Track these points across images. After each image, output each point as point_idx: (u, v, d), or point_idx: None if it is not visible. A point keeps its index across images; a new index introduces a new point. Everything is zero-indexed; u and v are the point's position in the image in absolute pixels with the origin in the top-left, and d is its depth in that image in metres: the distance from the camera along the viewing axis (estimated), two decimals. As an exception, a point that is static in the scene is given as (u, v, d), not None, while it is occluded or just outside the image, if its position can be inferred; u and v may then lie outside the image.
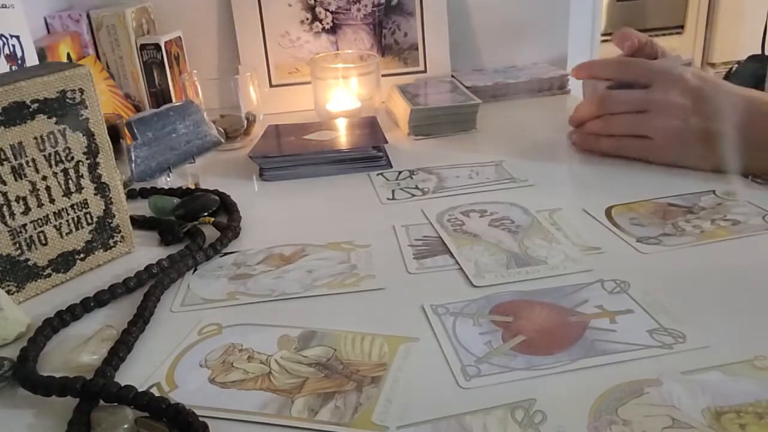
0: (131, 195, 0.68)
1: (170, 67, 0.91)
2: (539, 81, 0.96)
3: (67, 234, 0.52)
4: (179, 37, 0.95)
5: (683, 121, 0.63)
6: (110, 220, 0.55)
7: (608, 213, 0.58)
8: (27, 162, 0.48)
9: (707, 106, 0.63)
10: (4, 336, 0.44)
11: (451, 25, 0.98)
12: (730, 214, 0.56)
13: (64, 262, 0.52)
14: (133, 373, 0.41)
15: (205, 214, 0.61)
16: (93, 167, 0.52)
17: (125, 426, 0.35)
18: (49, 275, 0.51)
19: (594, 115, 0.70)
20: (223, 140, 0.78)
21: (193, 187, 0.69)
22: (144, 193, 0.69)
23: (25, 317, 0.46)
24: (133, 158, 0.68)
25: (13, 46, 0.69)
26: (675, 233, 0.53)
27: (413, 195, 0.65)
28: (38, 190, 0.49)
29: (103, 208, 0.54)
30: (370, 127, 0.80)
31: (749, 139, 0.61)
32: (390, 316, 0.45)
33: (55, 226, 0.51)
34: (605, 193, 0.62)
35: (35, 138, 0.48)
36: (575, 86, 0.82)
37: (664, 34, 2.76)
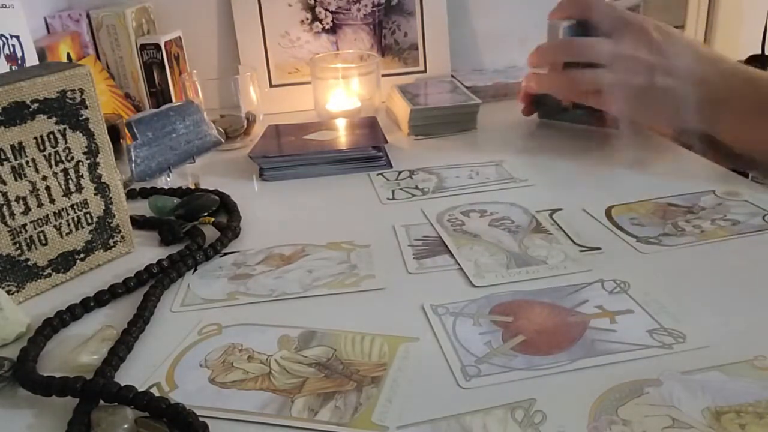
0: (131, 195, 0.68)
1: (170, 67, 0.91)
2: (539, 81, 0.96)
3: (67, 234, 0.52)
4: (179, 37, 0.95)
5: (649, 78, 0.63)
6: (110, 220, 0.55)
7: (608, 213, 0.58)
8: (27, 162, 0.48)
9: (670, 62, 0.62)
10: (4, 336, 0.44)
11: (451, 25, 0.98)
12: (730, 214, 0.56)
13: (64, 262, 0.52)
14: (133, 373, 0.41)
15: (205, 214, 0.61)
16: (93, 167, 0.53)
17: (125, 426, 0.35)
18: (49, 275, 0.51)
19: (555, 60, 0.69)
20: (223, 140, 0.78)
21: (193, 187, 0.69)
22: (144, 193, 0.69)
23: (25, 317, 0.46)
24: (133, 158, 0.68)
25: (13, 46, 0.69)
26: (675, 233, 0.53)
27: (413, 195, 0.65)
28: (38, 190, 0.49)
29: (103, 208, 0.54)
30: (370, 127, 0.80)
31: (706, 98, 0.61)
32: (390, 316, 0.45)
33: (55, 226, 0.51)
34: (605, 193, 0.62)
35: (35, 138, 0.48)
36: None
37: (664, 34, 2.76)
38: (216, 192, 0.65)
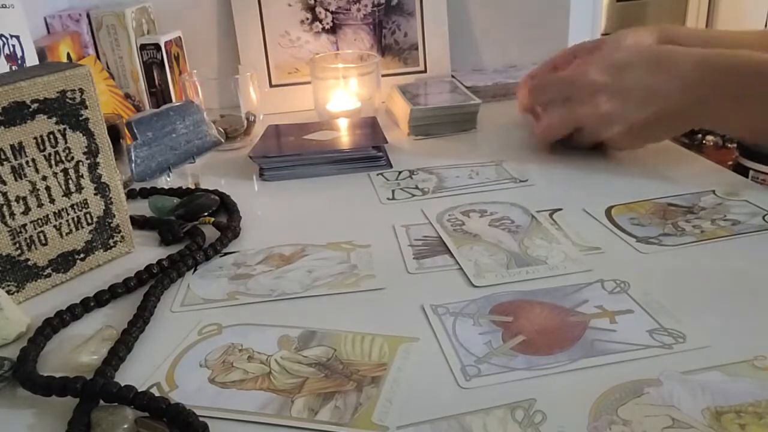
0: (131, 195, 0.68)
1: (170, 67, 0.91)
2: (539, 81, 0.96)
3: (67, 234, 0.52)
4: (179, 37, 0.95)
5: (626, 124, 0.63)
6: (110, 220, 0.55)
7: (608, 213, 0.58)
8: (27, 162, 0.48)
9: (625, 80, 0.62)
10: (4, 336, 0.44)
11: (451, 25, 0.98)
12: (730, 214, 0.56)
13: (64, 262, 0.52)
14: (133, 373, 0.41)
15: (205, 214, 0.61)
16: (93, 167, 0.52)
17: (125, 426, 0.35)
18: (49, 275, 0.51)
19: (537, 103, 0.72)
20: (223, 140, 0.78)
21: (193, 187, 0.69)
22: (144, 193, 0.69)
23: (25, 317, 0.46)
24: (133, 158, 0.68)
25: (13, 46, 0.69)
26: (675, 233, 0.53)
27: (413, 195, 0.65)
28: (38, 190, 0.49)
29: (103, 208, 0.54)
30: (370, 127, 0.80)
31: (689, 98, 0.60)
32: (390, 316, 0.45)
33: (55, 226, 0.51)
34: (605, 193, 0.62)
35: (35, 138, 0.48)
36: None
37: (664, 34, 2.75)
38: (216, 192, 0.65)
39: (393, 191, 0.66)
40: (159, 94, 0.92)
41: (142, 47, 0.90)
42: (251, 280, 0.51)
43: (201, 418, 0.35)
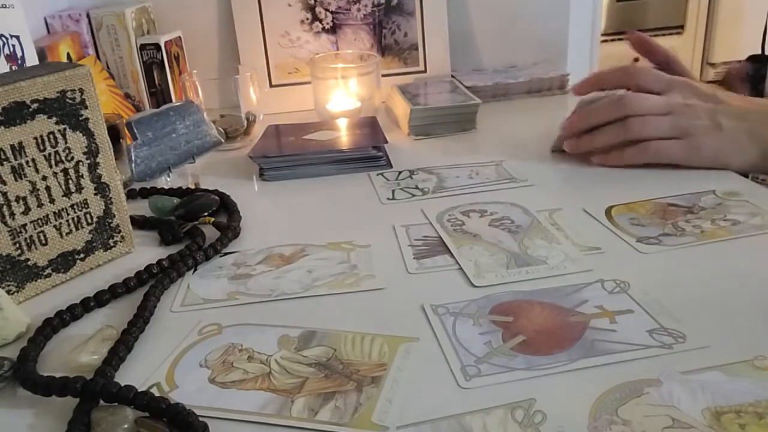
0: (131, 195, 0.68)
1: (170, 67, 0.91)
2: (539, 81, 0.96)
3: (67, 234, 0.52)
4: (179, 37, 0.95)
5: (711, 120, 0.63)
6: (110, 220, 0.55)
7: (608, 213, 0.58)
8: (27, 162, 0.48)
9: (727, 107, 0.64)
10: (4, 336, 0.44)
11: (451, 25, 0.98)
12: (730, 214, 0.56)
13: (64, 262, 0.52)
14: (133, 373, 0.41)
15: (205, 214, 0.61)
16: (93, 167, 0.53)
17: (125, 426, 0.35)
18: (49, 275, 0.51)
19: (612, 118, 0.66)
20: (223, 140, 0.78)
21: (193, 187, 0.69)
22: (144, 193, 0.69)
23: (25, 317, 0.46)
24: (133, 158, 0.68)
25: (13, 46, 0.69)
26: (675, 233, 0.53)
27: (413, 195, 0.65)
28: (38, 190, 0.49)
29: (103, 208, 0.54)
30: (370, 127, 0.80)
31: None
32: (390, 316, 0.45)
33: (55, 226, 0.51)
34: (605, 193, 0.62)
35: (35, 138, 0.48)
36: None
37: (664, 34, 2.76)
38: (216, 192, 0.65)
39: (393, 191, 0.66)
40: (159, 94, 0.92)
41: (142, 47, 0.90)
42: (251, 280, 0.51)
43: (201, 418, 0.35)
